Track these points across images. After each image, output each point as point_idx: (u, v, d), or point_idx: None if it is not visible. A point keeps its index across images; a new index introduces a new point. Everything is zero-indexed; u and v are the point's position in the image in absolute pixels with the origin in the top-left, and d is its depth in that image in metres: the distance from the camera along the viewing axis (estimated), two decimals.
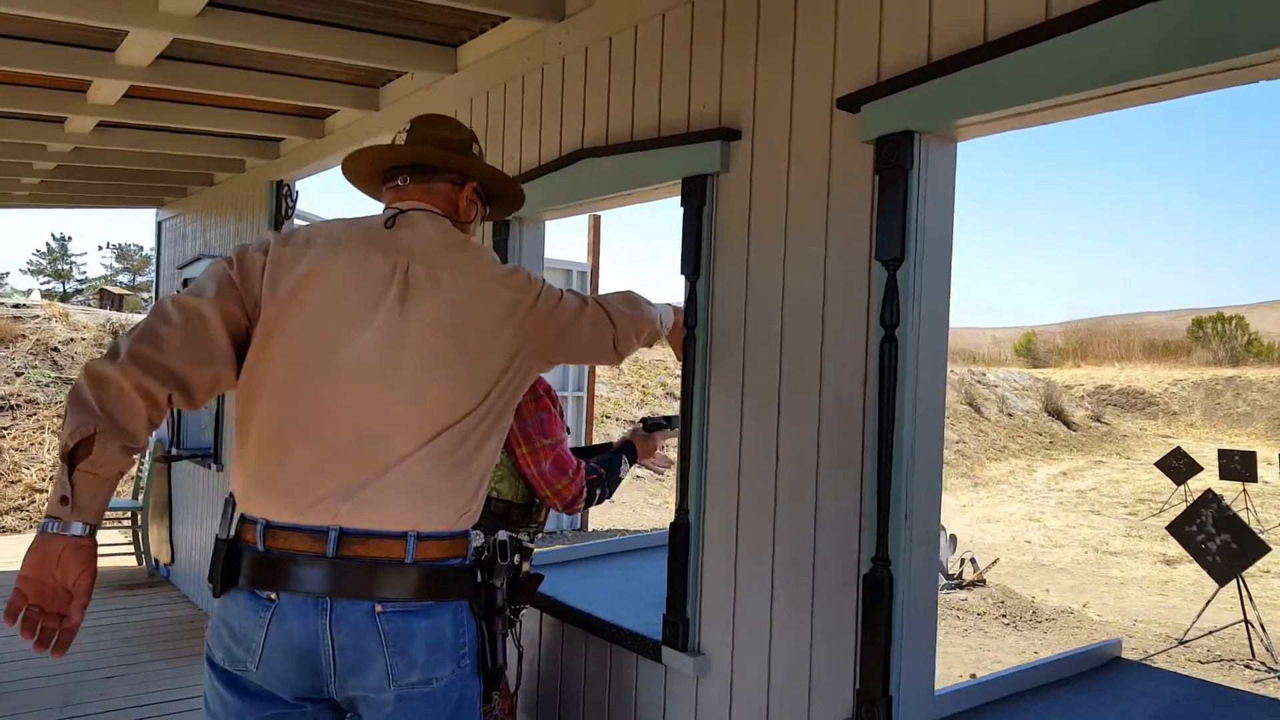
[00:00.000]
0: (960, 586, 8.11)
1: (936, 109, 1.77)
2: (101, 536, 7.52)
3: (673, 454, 2.44)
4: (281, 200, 5.02)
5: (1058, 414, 26.32)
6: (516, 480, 2.35)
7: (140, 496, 7.13)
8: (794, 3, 2.09)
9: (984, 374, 27.81)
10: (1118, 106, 1.65)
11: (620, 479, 2.45)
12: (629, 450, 2.51)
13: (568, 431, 2.41)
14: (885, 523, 1.82)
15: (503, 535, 1.78)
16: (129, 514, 7.20)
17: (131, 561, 7.17)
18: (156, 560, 6.94)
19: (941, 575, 8.41)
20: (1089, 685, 2.16)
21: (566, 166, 2.69)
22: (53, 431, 9.99)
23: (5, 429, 9.91)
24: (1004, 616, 7.41)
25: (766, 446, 2.11)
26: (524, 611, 2.46)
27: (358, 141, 4.10)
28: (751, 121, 2.18)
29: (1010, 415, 25.04)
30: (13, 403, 10.20)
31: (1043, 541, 12.34)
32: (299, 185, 5.04)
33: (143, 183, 6.02)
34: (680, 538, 2.29)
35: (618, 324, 2.00)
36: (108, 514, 7.43)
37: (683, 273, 2.32)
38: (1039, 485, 18.76)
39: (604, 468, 2.40)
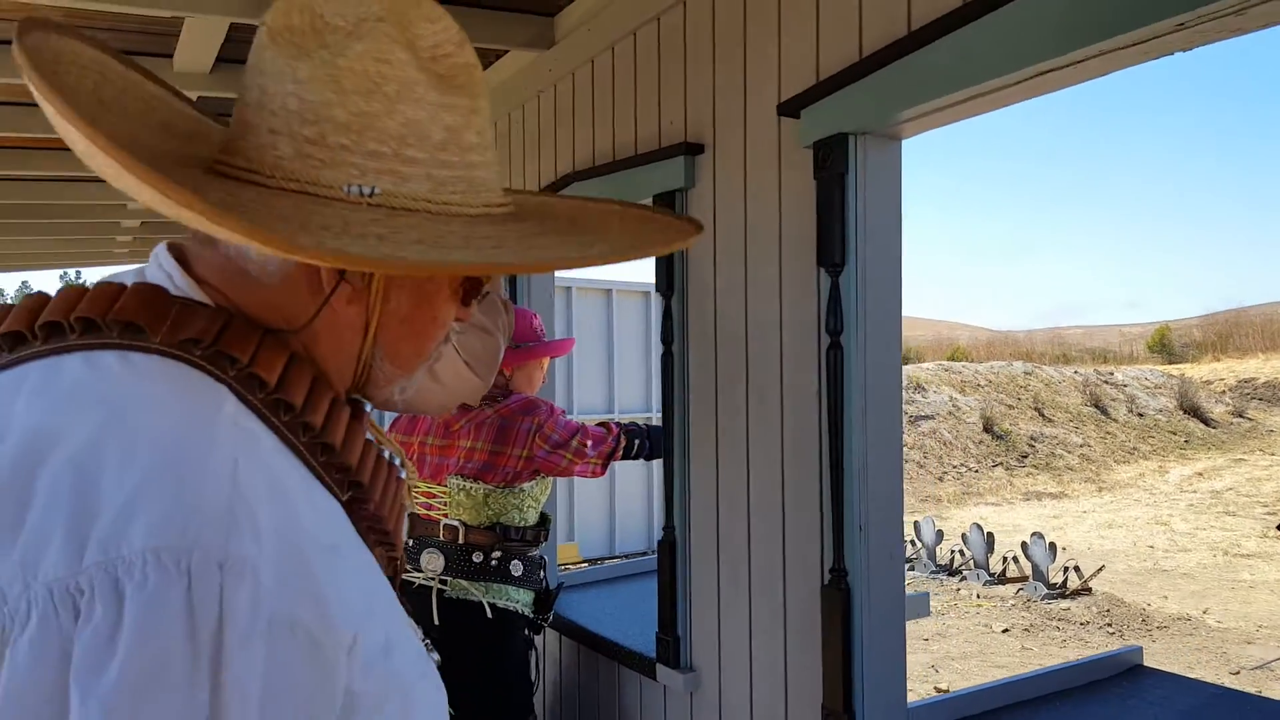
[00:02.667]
0: (1062, 596, 7.76)
1: (868, 108, 1.74)
2: None
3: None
4: None
5: (1194, 411, 24.92)
6: (479, 509, 2.44)
7: None
8: (743, 13, 2.08)
9: (1111, 373, 26.60)
10: (1042, 91, 1.59)
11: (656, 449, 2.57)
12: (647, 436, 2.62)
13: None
14: (840, 534, 1.79)
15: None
16: None
17: None
18: None
19: (1041, 585, 8.08)
20: (1095, 695, 2.06)
21: (558, 190, 2.73)
22: None
23: None
24: (1109, 625, 7.05)
25: (739, 461, 2.10)
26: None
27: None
28: (713, 135, 2.18)
29: (1140, 415, 23.85)
30: None
31: (1167, 546, 11.69)
32: None
33: None
34: (667, 555, 2.28)
35: None
36: None
37: (658, 290, 2.32)
38: (1169, 487, 17.80)
39: (650, 429, 2.57)
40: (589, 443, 2.47)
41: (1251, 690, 5.82)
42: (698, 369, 2.23)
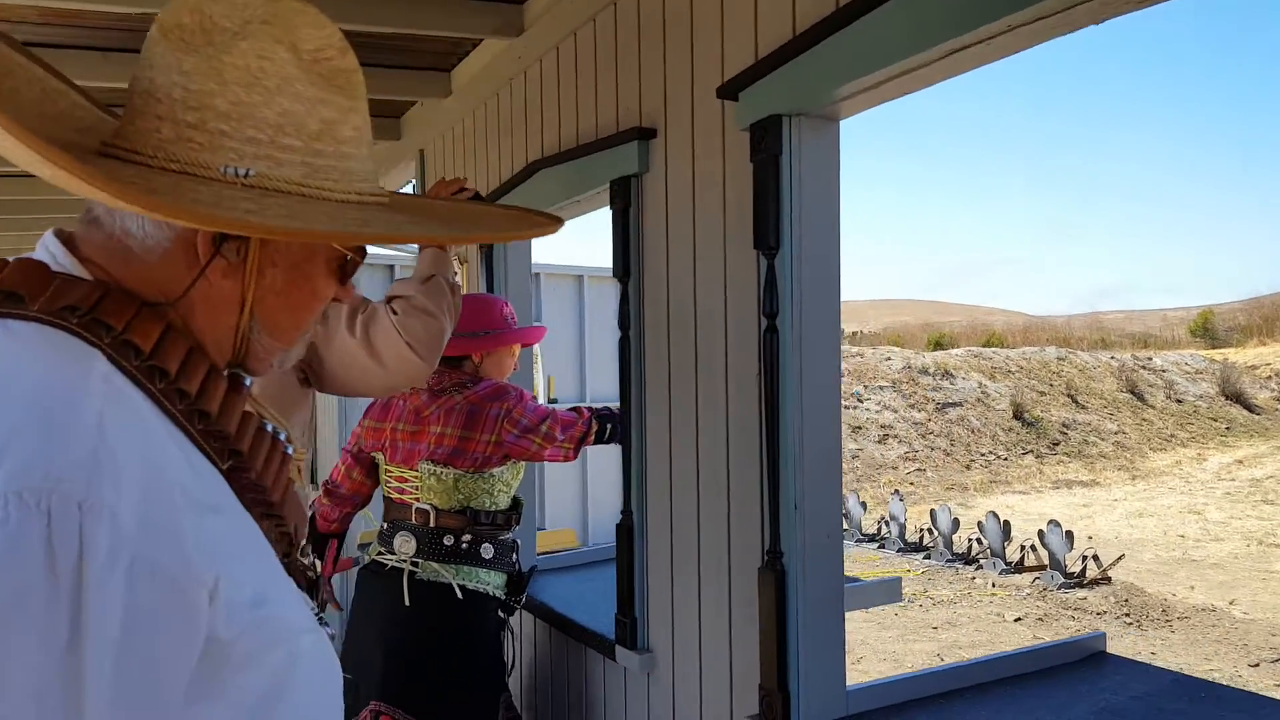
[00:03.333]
0: (1080, 585, 7.67)
1: (800, 88, 1.73)
2: None
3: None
4: None
5: (1237, 397, 24.45)
6: (450, 493, 2.45)
7: None
8: None
9: (1150, 358, 26.20)
10: (959, 69, 1.58)
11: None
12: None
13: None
14: (776, 516, 1.79)
15: None
16: None
17: None
18: None
19: (1058, 574, 8.00)
20: (1050, 680, 2.05)
21: (526, 180, 2.75)
22: None
23: None
24: (1127, 615, 6.97)
25: (689, 444, 2.10)
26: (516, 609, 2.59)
27: (392, 171, 4.29)
28: (664, 120, 2.19)
29: (1179, 401, 23.47)
30: None
31: (1199, 535, 11.51)
32: None
33: None
34: (625, 538, 2.30)
35: None
36: None
37: (615, 275, 2.33)
38: (1207, 475, 17.49)
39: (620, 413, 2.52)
40: (558, 428, 2.48)
41: (1264, 687, 5.73)
42: (652, 354, 2.24)
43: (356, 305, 1.86)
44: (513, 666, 2.67)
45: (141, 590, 0.65)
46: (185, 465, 0.75)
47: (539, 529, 4.46)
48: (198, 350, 0.82)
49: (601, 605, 2.67)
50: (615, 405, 2.47)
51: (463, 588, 2.43)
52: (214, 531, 0.73)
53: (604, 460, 7.03)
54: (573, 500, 7.39)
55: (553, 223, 1.04)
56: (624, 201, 2.28)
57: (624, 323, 2.30)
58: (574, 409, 2.57)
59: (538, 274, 7.20)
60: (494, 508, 2.50)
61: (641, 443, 2.27)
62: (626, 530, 2.30)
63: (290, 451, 0.93)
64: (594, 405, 2.62)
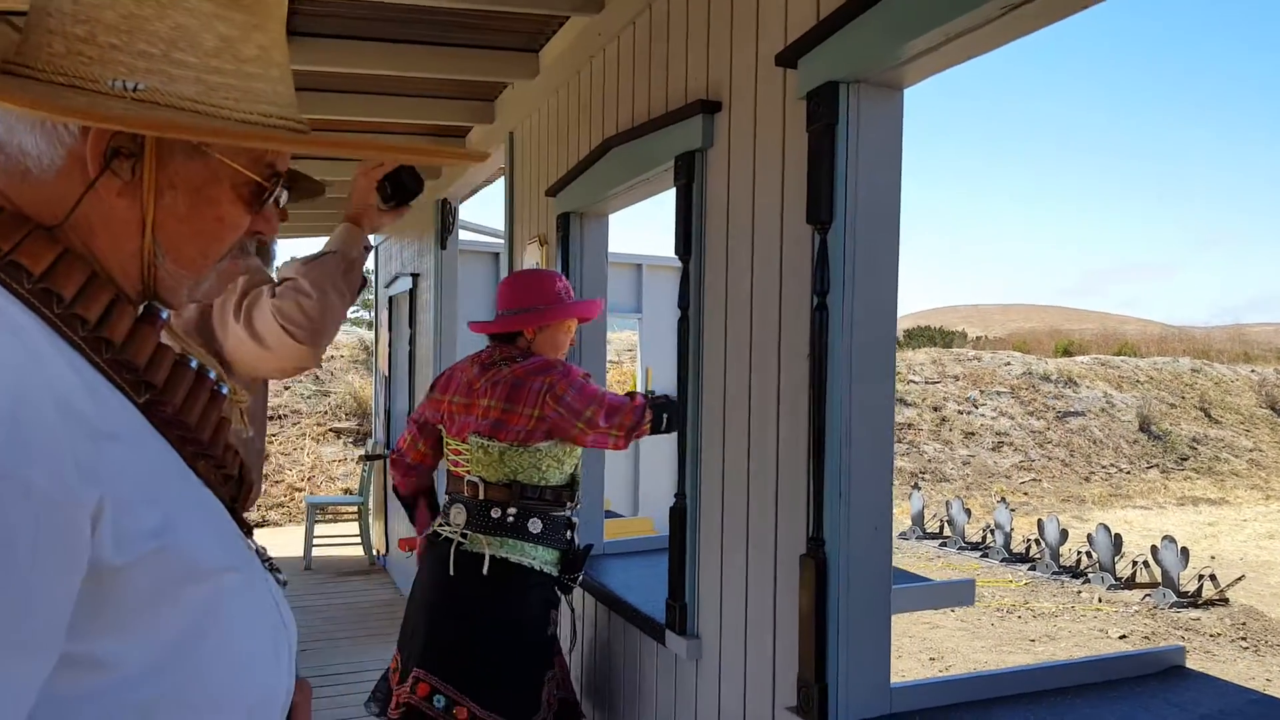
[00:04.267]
0: (1194, 605, 7.23)
1: (860, 52, 1.65)
2: (336, 528, 8.35)
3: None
4: (445, 217, 5.39)
5: None
6: (496, 466, 2.45)
7: (362, 492, 7.83)
8: None
9: None
10: (1025, 30, 1.48)
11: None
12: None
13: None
14: (820, 503, 1.72)
15: None
16: (355, 508, 7.93)
17: (359, 551, 7.88)
18: (376, 550, 7.60)
19: (1171, 592, 7.56)
20: (1114, 692, 1.91)
21: (600, 158, 2.73)
22: (312, 438, 11.18)
23: (274, 435, 11.20)
24: (1243, 639, 6.53)
25: (741, 427, 2.05)
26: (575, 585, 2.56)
27: (487, 155, 4.33)
28: (729, 91, 2.13)
29: None
30: (280, 412, 11.51)
31: None
32: (461, 205, 5.39)
33: (327, 210, 6.54)
34: (678, 523, 2.26)
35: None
36: (341, 507, 8.22)
37: (676, 254, 2.29)
38: None
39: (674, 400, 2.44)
40: (602, 414, 2.40)
41: None
42: (710, 334, 2.18)
43: (257, 284, 1.82)
44: (572, 646, 2.65)
45: (11, 507, 0.62)
46: (80, 389, 0.72)
47: (612, 514, 4.44)
48: (101, 277, 0.80)
49: (658, 588, 2.64)
50: (673, 392, 2.41)
51: (504, 560, 2.42)
52: (107, 456, 0.70)
53: (656, 442, 6.92)
54: (624, 483, 7.36)
55: (478, 156, 1.02)
56: (687, 177, 2.24)
57: (684, 302, 2.25)
58: (629, 394, 2.51)
59: (639, 264, 7.20)
60: (542, 482, 2.47)
61: (697, 425, 2.22)
62: (679, 514, 2.25)
63: (225, 391, 0.91)
64: (653, 391, 2.57)
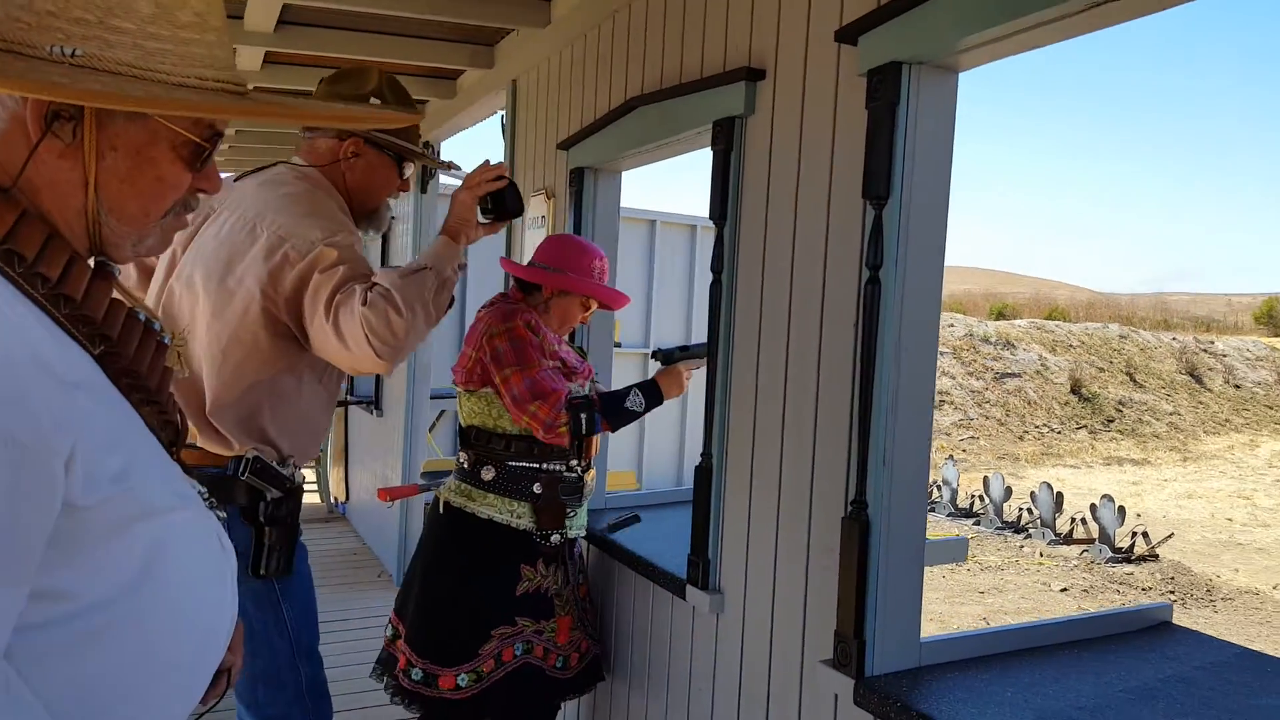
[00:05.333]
0: (1128, 560, 7.61)
1: (925, 35, 1.70)
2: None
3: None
4: None
5: None
6: (462, 410, 2.50)
7: None
8: None
9: (1212, 342, 25.58)
10: (1103, 23, 1.54)
11: (629, 410, 2.42)
12: (645, 385, 2.47)
13: (561, 364, 2.45)
14: (864, 467, 1.80)
15: (251, 453, 1.89)
16: (320, 446, 7.86)
17: (314, 498, 7.84)
18: (335, 498, 7.57)
19: (1107, 548, 7.93)
20: (1115, 646, 2.05)
21: (624, 116, 2.74)
22: None
23: None
24: (1172, 593, 6.92)
25: (776, 390, 2.11)
26: (561, 535, 2.52)
27: (481, 99, 4.29)
28: (774, 61, 2.16)
29: (1237, 387, 22.95)
30: None
31: (1246, 520, 11.33)
32: (443, 145, 5.32)
33: (285, 145, 6.45)
34: (703, 481, 2.32)
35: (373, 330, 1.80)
36: None
37: (710, 218, 2.33)
38: (1259, 462, 17.16)
39: (601, 397, 2.41)
40: (522, 382, 2.32)
41: None
42: (744, 299, 2.24)
43: (354, 278, 1.86)
44: (572, 611, 2.59)
45: None
46: (49, 343, 0.78)
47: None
48: (58, 237, 0.85)
49: (670, 545, 2.72)
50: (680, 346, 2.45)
51: (458, 508, 2.45)
52: (76, 406, 0.76)
53: (665, 406, 6.98)
54: (629, 444, 7.43)
55: (406, 117, 1.08)
56: (726, 143, 2.27)
57: (717, 265, 2.30)
58: (582, 396, 2.40)
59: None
60: (498, 429, 2.43)
61: (726, 387, 2.29)
62: (705, 472, 2.32)
63: (167, 341, 0.97)
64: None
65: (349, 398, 7.01)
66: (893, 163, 1.76)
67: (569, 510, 2.52)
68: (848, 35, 1.86)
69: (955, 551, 2.74)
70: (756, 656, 2.16)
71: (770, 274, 2.15)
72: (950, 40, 1.66)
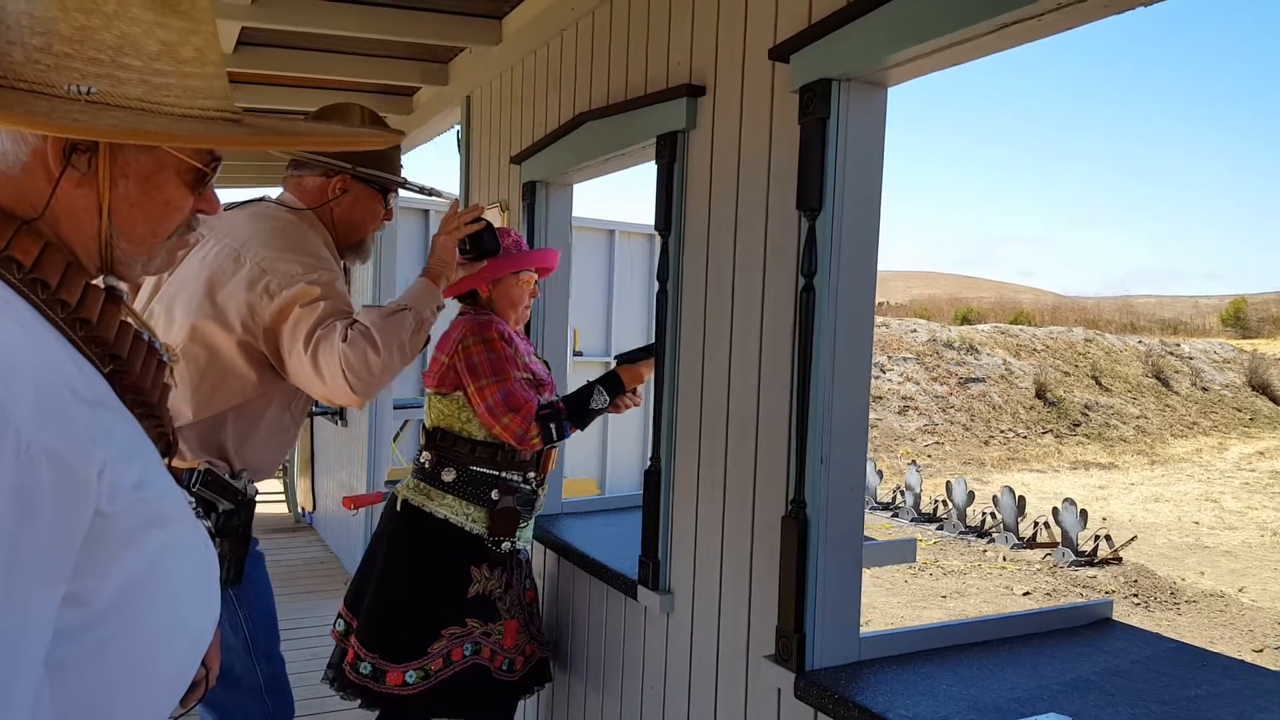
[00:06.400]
0: (1090, 564, 7.74)
1: (853, 53, 1.77)
2: (261, 485, 8.25)
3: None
4: None
5: (1263, 388, 24.30)
6: (429, 412, 2.56)
7: None
8: None
9: (1178, 345, 26.02)
10: (1012, 42, 1.62)
11: (594, 409, 2.52)
12: (607, 381, 2.56)
13: (532, 377, 2.53)
14: (803, 467, 1.86)
15: (203, 465, 1.94)
16: (280, 465, 7.85)
17: (283, 508, 7.82)
18: (302, 508, 7.56)
19: (1070, 552, 8.06)
20: (1055, 641, 2.12)
21: (573, 130, 2.80)
22: None
23: None
24: (1135, 596, 7.04)
25: (720, 395, 2.17)
26: (511, 543, 2.59)
27: (437, 115, 4.34)
28: (714, 78, 2.23)
29: (1205, 389, 23.34)
30: None
31: (1213, 523, 11.53)
32: (402, 160, 5.36)
33: (271, 161, 6.49)
34: (653, 483, 2.38)
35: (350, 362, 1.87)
36: None
37: (656, 229, 2.39)
38: (1227, 465, 17.45)
39: (566, 403, 2.49)
40: (497, 392, 2.42)
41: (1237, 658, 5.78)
42: (689, 306, 2.30)
43: (334, 314, 1.93)
44: (518, 615, 2.62)
45: (41, 470, 0.75)
46: (72, 366, 0.85)
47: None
48: (75, 265, 0.92)
49: (621, 548, 2.77)
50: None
51: (416, 507, 2.52)
52: (102, 422, 0.83)
53: (627, 415, 7.09)
54: (594, 451, 7.48)
55: (392, 137, 1.15)
56: (669, 157, 2.34)
57: (663, 275, 2.36)
58: (548, 403, 2.49)
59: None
60: (464, 433, 2.51)
61: (673, 393, 2.35)
62: (654, 475, 2.38)
63: (166, 359, 1.04)
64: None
65: (313, 408, 7.02)
66: (825, 175, 1.83)
67: (521, 521, 2.59)
68: (781, 53, 1.93)
69: (903, 552, 2.81)
70: (705, 653, 2.21)
71: (713, 283, 2.21)
72: (877, 57, 1.74)
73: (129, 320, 0.97)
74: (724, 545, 2.15)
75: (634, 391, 2.64)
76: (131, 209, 0.94)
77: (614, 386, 2.56)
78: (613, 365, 2.71)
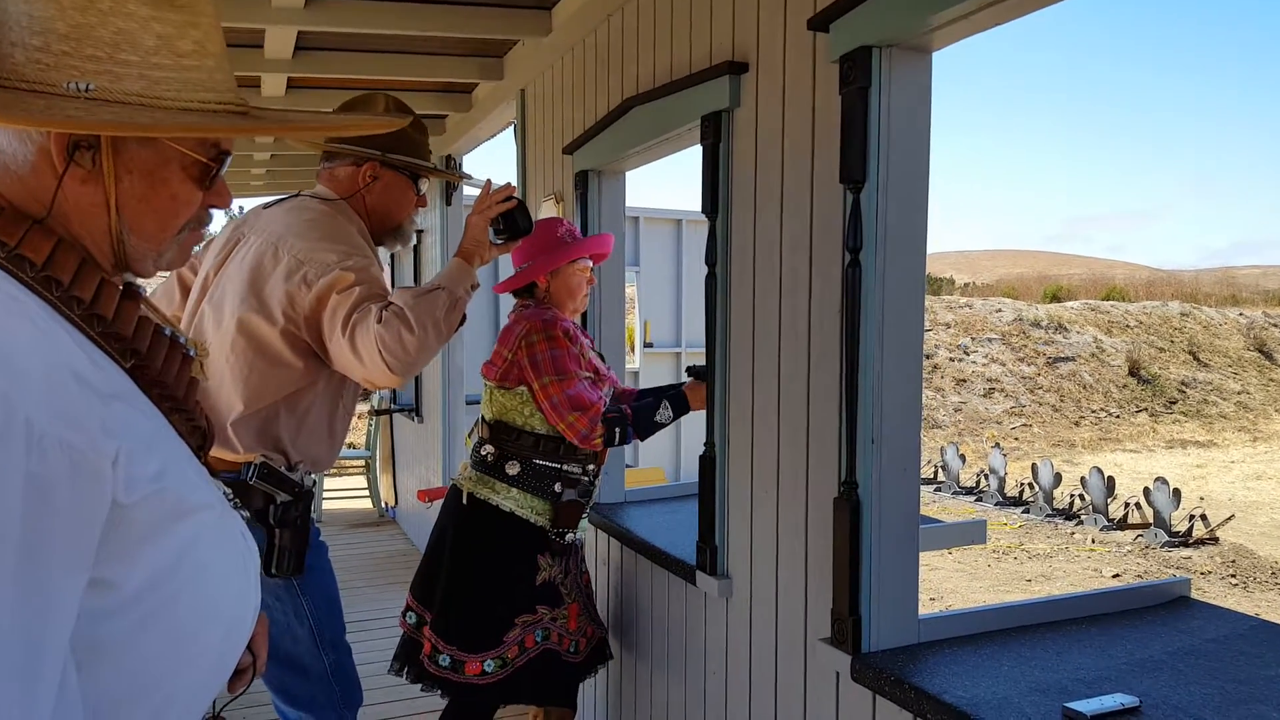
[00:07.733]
0: (1185, 544, 7.44)
1: (893, 17, 1.72)
2: (344, 481, 8.47)
3: None
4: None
5: None
6: (489, 404, 2.58)
7: (369, 446, 7.95)
8: None
9: None
10: None
11: (658, 423, 2.55)
12: (675, 397, 2.58)
13: (594, 374, 2.55)
14: (853, 448, 1.82)
15: (259, 459, 1.97)
16: (363, 461, 8.04)
17: (368, 503, 8.01)
18: (385, 503, 7.73)
19: (1162, 532, 7.77)
20: (1127, 622, 2.04)
21: (620, 117, 2.79)
22: None
23: None
24: (1233, 577, 6.74)
25: (770, 376, 2.14)
26: (574, 535, 2.62)
27: (495, 110, 4.37)
28: (756, 53, 2.19)
29: None
30: None
31: None
32: (464, 157, 5.42)
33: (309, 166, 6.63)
34: (708, 469, 2.36)
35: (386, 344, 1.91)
36: (349, 461, 8.33)
37: (703, 211, 2.36)
38: None
39: (633, 410, 2.52)
40: (559, 391, 2.45)
41: None
42: (738, 288, 2.27)
43: (370, 298, 1.98)
44: (578, 599, 2.68)
45: (56, 462, 0.77)
46: (84, 359, 0.86)
47: (627, 465, 4.55)
48: (89, 262, 0.93)
49: (681, 534, 2.76)
50: (675, 352, 2.50)
51: (481, 499, 2.54)
52: (116, 414, 0.85)
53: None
54: (669, 441, 7.49)
55: (398, 121, 1.14)
56: (714, 137, 2.31)
57: (710, 258, 2.34)
58: (615, 408, 2.52)
59: (636, 217, 7.26)
60: (527, 427, 2.54)
61: (725, 376, 2.32)
62: (709, 461, 2.36)
63: (193, 354, 1.05)
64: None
65: (391, 406, 7.17)
66: (867, 146, 1.79)
67: (583, 512, 2.63)
68: (820, 23, 1.89)
69: (973, 533, 2.73)
70: (764, 637, 2.19)
71: (761, 263, 2.18)
72: (918, 21, 1.68)
73: (149, 316, 0.99)
74: (779, 529, 2.12)
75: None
76: (138, 204, 0.95)
77: (680, 406, 2.58)
78: (684, 359, 2.71)
